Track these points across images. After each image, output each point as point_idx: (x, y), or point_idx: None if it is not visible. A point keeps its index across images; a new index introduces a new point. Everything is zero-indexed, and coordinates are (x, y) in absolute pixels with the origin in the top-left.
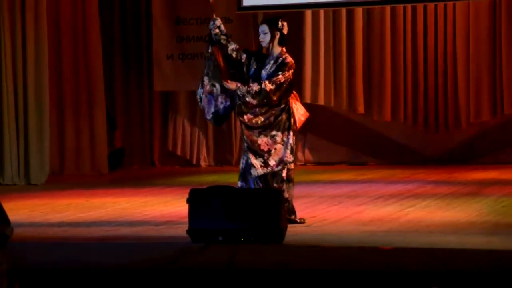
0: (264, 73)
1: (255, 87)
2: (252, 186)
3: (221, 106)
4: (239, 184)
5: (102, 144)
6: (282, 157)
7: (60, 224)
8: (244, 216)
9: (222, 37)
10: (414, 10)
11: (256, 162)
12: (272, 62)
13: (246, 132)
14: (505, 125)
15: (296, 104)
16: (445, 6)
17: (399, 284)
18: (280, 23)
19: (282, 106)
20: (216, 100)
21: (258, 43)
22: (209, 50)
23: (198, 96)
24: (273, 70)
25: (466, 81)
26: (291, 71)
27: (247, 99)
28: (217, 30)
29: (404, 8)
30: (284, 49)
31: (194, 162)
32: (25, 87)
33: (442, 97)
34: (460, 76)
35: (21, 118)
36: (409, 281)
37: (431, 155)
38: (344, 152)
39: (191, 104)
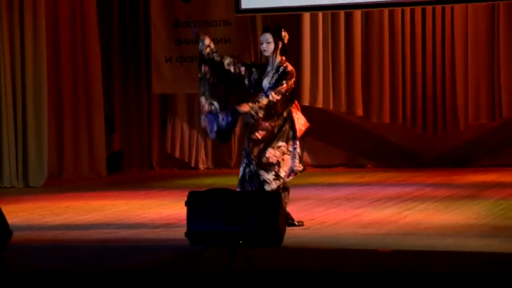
0: (265, 82)
1: (263, 100)
2: None
3: (223, 123)
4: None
5: (100, 147)
6: (291, 166)
7: (59, 227)
8: (243, 219)
9: (215, 54)
10: (412, 12)
11: (268, 177)
12: (273, 71)
13: (253, 147)
14: (503, 128)
15: (297, 114)
16: (444, 8)
17: (398, 286)
18: (282, 32)
19: (285, 116)
20: (217, 118)
21: (257, 47)
22: (202, 70)
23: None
24: (276, 80)
25: (464, 84)
26: (292, 80)
27: (260, 115)
28: (208, 50)
29: (403, 11)
30: (284, 58)
31: (193, 164)
32: (24, 90)
33: (440, 100)
34: (459, 78)
35: (20, 121)
36: (408, 283)
37: (430, 157)
38: (343, 154)
39: (190, 107)
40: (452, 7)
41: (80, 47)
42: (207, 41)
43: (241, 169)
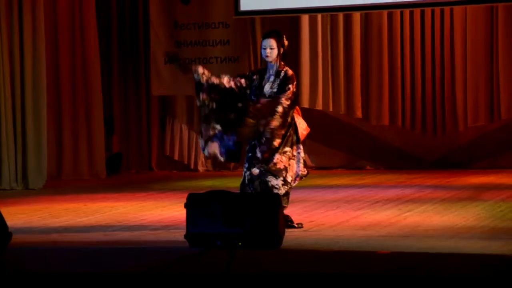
0: (267, 88)
1: (279, 109)
2: None
3: (230, 143)
4: None
5: (99, 149)
6: (296, 171)
7: (58, 229)
8: (242, 220)
9: (212, 77)
10: (411, 15)
11: (277, 183)
12: (273, 76)
13: (269, 156)
14: (502, 130)
15: (298, 119)
16: (443, 11)
17: None
18: (284, 38)
19: (289, 121)
20: (222, 139)
21: (256, 49)
22: (200, 99)
23: (201, 148)
24: (280, 85)
25: (463, 86)
26: (295, 83)
27: (279, 123)
28: (205, 77)
29: (402, 13)
30: (282, 62)
31: (192, 166)
32: (23, 91)
33: (439, 102)
34: (458, 81)
35: (19, 123)
36: (407, 285)
37: (429, 159)
38: (342, 156)
39: (189, 108)
40: (451, 9)
41: (80, 49)
42: (200, 69)
43: (243, 172)
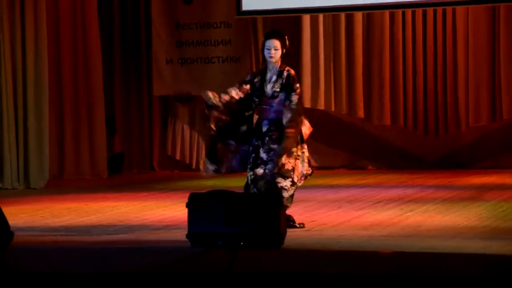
0: (269, 88)
1: (295, 111)
2: None
3: (247, 153)
4: None
5: (101, 149)
6: (301, 171)
7: (60, 229)
8: (244, 220)
9: (222, 94)
10: (413, 14)
11: (286, 184)
12: (275, 76)
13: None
14: (504, 129)
15: None
16: (444, 11)
17: None
18: (286, 38)
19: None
20: (238, 152)
21: (258, 49)
22: (212, 120)
23: (212, 170)
24: (287, 86)
25: (465, 86)
26: (298, 83)
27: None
28: (217, 99)
29: (403, 13)
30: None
31: (194, 166)
32: (25, 91)
33: (441, 102)
34: (460, 80)
35: (21, 123)
36: (409, 285)
37: (431, 159)
38: (344, 156)
39: (190, 108)
40: (453, 9)
41: (81, 49)
42: (210, 94)
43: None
